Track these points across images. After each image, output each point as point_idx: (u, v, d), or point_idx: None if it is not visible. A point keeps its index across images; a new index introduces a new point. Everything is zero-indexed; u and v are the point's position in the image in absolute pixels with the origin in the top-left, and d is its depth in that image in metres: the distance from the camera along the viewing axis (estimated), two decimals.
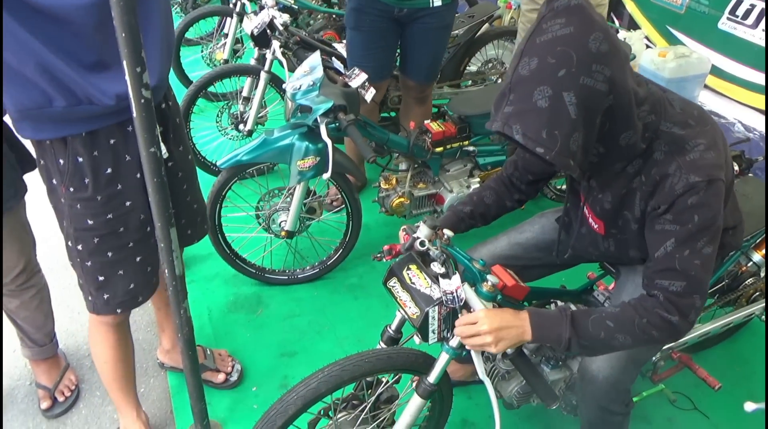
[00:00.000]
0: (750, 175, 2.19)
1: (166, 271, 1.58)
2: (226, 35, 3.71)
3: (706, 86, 4.08)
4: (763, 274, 2.10)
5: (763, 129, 3.78)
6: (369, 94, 2.23)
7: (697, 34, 4.09)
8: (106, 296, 1.64)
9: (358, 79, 2.21)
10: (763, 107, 3.76)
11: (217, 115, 3.22)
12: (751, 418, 2.10)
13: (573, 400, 1.76)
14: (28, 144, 1.64)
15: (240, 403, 2.13)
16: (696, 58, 3.94)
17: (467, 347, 1.36)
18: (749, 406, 1.21)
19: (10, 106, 1.32)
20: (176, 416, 2.10)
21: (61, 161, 1.44)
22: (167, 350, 2.20)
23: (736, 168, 3.19)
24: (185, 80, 3.88)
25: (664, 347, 1.90)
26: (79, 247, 1.57)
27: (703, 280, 1.27)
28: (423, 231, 1.49)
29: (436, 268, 1.38)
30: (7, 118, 1.67)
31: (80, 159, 1.44)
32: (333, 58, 2.42)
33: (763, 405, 1.20)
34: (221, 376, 2.15)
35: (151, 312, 2.31)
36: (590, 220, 1.52)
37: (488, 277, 1.36)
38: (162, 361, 2.24)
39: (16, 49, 1.23)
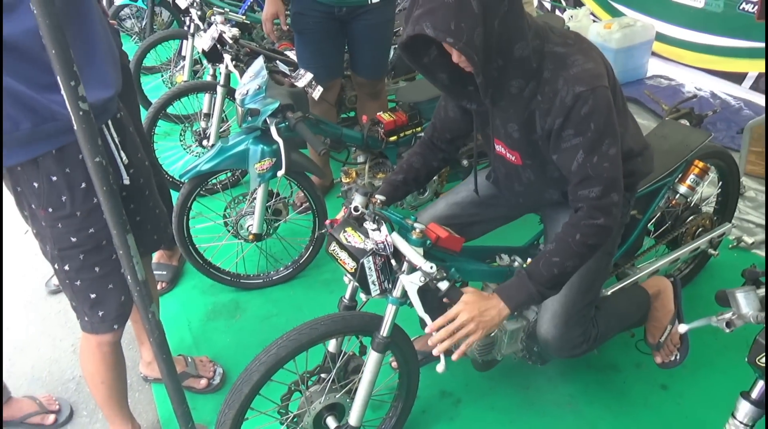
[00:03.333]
0: (667, 118, 2.32)
1: (128, 277, 1.64)
2: (185, 58, 3.79)
3: (654, 54, 4.21)
4: (705, 209, 2.24)
5: (713, 86, 3.90)
6: (317, 92, 2.32)
7: (637, 5, 4.23)
8: (101, 313, 1.68)
9: (303, 79, 2.29)
10: (711, 66, 3.88)
11: (180, 134, 3.29)
12: (713, 357, 2.19)
13: (534, 347, 1.84)
14: None
15: None
16: (640, 26, 4.07)
17: (452, 343, 1.44)
18: (682, 328, 1.28)
19: None
20: (162, 426, 2.15)
21: (36, 184, 1.49)
22: (149, 362, 2.25)
23: (687, 124, 3.33)
24: (148, 106, 3.94)
25: (616, 287, 1.99)
26: (66, 268, 1.60)
27: (615, 178, 1.43)
28: (357, 199, 1.59)
29: (369, 226, 1.48)
30: None
31: (54, 178, 1.49)
32: (277, 62, 2.50)
33: (696, 324, 1.27)
34: (203, 382, 2.21)
35: (131, 328, 2.37)
36: (507, 155, 1.63)
37: (415, 225, 1.49)
38: (145, 374, 2.29)
39: None
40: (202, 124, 3.22)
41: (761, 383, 1.12)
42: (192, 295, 2.69)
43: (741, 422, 1.18)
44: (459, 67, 1.40)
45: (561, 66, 1.39)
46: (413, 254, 1.45)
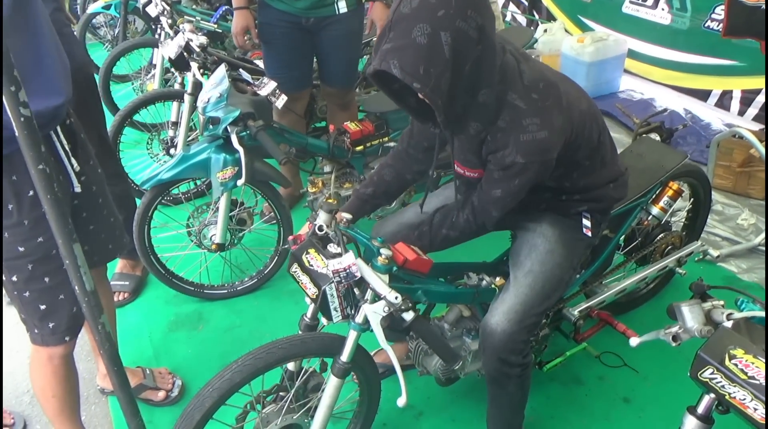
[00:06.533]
0: (644, 135, 2.32)
1: (76, 288, 1.59)
2: (156, 66, 3.75)
3: (624, 70, 4.24)
4: (675, 227, 2.22)
5: (676, 105, 3.94)
6: (280, 101, 2.29)
7: (604, 20, 4.28)
8: (51, 325, 1.63)
9: (267, 87, 2.27)
10: (678, 83, 3.93)
11: (147, 143, 3.25)
12: (677, 369, 2.19)
13: None
14: None
15: None
16: (613, 40, 4.11)
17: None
18: (634, 341, 1.28)
19: None
20: None
21: None
22: (105, 374, 2.19)
23: (657, 138, 3.34)
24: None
25: (584, 306, 1.98)
26: (14, 279, 1.56)
27: (504, 205, 1.53)
28: (322, 217, 1.54)
29: (333, 249, 1.44)
30: None
31: None
32: (240, 70, 2.47)
33: (646, 337, 1.27)
34: (161, 394, 2.16)
35: (89, 339, 2.31)
36: (467, 173, 1.62)
37: (382, 250, 1.42)
38: (102, 386, 2.23)
39: None
40: (170, 132, 3.17)
41: (707, 398, 1.11)
42: (155, 306, 2.63)
43: None
44: None
45: (516, 125, 1.39)
46: (378, 282, 1.40)
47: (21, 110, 1.31)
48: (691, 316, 1.12)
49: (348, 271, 1.37)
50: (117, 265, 2.72)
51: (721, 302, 1.15)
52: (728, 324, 1.07)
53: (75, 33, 4.77)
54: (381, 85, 1.42)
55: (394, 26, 1.23)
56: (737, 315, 1.08)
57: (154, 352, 2.41)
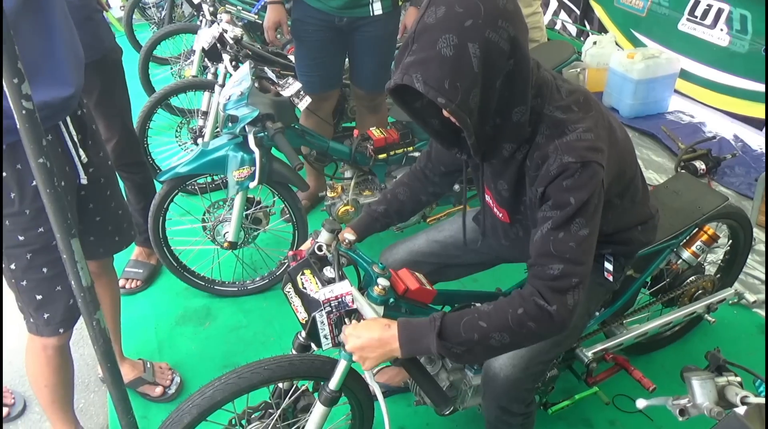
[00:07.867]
0: (682, 171, 2.16)
1: (72, 283, 1.57)
2: (195, 52, 3.74)
3: (674, 91, 4.03)
4: (711, 271, 2.06)
5: (727, 132, 3.72)
6: (303, 103, 2.23)
7: (658, 37, 4.07)
8: (46, 316, 1.62)
9: (290, 88, 2.22)
10: (732, 109, 3.72)
11: (176, 130, 3.25)
12: (695, 423, 2.05)
13: None
14: None
15: None
16: (665, 59, 3.91)
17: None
18: (640, 403, 1.17)
19: None
20: None
21: None
22: None
23: (702, 166, 3.15)
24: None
25: (599, 348, 1.86)
26: (12, 267, 1.55)
27: (578, 262, 1.21)
28: (323, 235, 1.48)
29: (328, 272, 1.37)
30: None
31: (3, 174, 1.44)
32: (266, 68, 2.42)
33: (654, 402, 1.16)
34: (159, 390, 2.14)
35: None
36: (495, 210, 1.51)
37: (379, 280, 1.34)
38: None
39: None
40: (199, 121, 3.16)
41: None
42: (165, 297, 2.63)
43: None
44: None
45: (557, 133, 1.24)
46: (371, 315, 1.32)
47: (23, 103, 1.29)
48: (702, 391, 1.01)
49: (340, 300, 1.30)
50: (133, 252, 2.72)
51: (738, 379, 1.04)
52: (741, 409, 0.96)
53: (123, 12, 4.84)
54: (402, 104, 1.30)
55: (417, 38, 1.14)
56: (753, 399, 0.97)
57: (158, 345, 2.39)
